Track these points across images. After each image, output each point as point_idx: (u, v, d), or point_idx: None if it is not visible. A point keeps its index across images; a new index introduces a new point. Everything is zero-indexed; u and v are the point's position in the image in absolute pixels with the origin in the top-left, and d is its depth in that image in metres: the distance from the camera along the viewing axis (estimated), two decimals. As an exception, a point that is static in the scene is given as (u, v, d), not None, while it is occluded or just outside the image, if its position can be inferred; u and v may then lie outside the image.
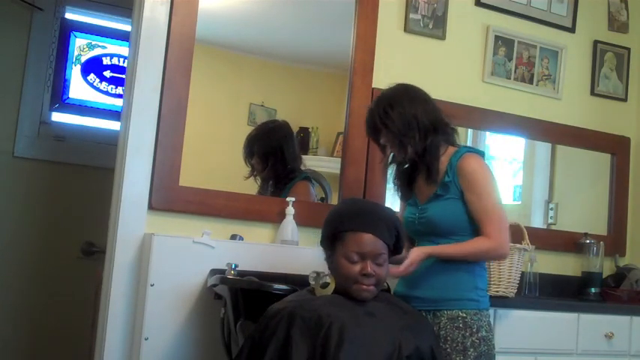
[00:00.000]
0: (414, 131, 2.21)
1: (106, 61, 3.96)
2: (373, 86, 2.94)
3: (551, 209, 3.50)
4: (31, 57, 3.73)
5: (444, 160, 2.26)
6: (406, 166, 2.34)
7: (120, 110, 2.90)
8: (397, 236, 2.06)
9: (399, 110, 2.23)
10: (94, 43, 3.94)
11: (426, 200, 2.28)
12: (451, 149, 2.28)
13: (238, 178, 2.84)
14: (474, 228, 2.21)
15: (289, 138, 2.95)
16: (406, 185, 2.37)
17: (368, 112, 2.33)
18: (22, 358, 3.62)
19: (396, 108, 2.23)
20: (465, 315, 2.18)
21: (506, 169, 3.60)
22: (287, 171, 2.91)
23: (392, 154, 2.34)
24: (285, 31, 3.07)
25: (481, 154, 2.32)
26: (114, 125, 3.70)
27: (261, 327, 1.91)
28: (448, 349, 2.14)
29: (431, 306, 2.21)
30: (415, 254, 2.16)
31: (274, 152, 2.89)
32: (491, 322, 2.28)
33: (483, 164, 2.28)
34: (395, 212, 2.24)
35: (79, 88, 3.90)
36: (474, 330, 2.17)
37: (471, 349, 2.15)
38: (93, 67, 3.93)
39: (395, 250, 2.07)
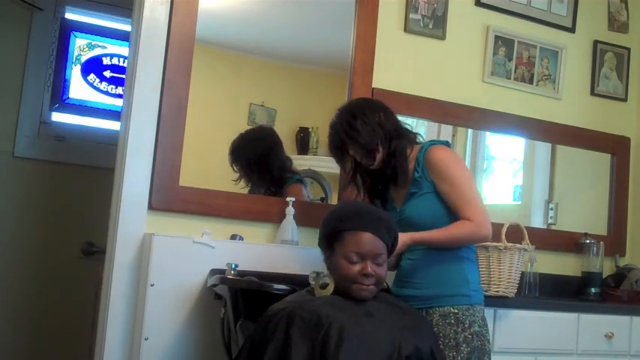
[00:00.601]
0: (380, 137, 2.25)
1: (106, 61, 3.96)
2: (373, 86, 2.95)
3: (551, 209, 3.50)
4: (31, 57, 3.73)
5: (411, 159, 2.28)
6: (367, 178, 2.37)
7: (120, 110, 2.90)
8: (395, 237, 2.06)
9: (362, 119, 2.26)
10: (94, 43, 3.95)
11: (402, 202, 2.30)
12: (416, 147, 2.31)
13: (238, 178, 2.85)
14: (453, 219, 2.21)
15: (274, 146, 2.92)
16: (379, 194, 2.39)
17: (331, 128, 2.33)
18: (22, 358, 3.62)
19: (359, 118, 2.26)
20: (456, 311, 2.18)
21: (506, 169, 3.60)
22: (276, 176, 2.90)
23: (351, 171, 2.36)
24: (285, 31, 3.07)
25: (446, 144, 2.34)
26: (114, 125, 3.70)
27: (260, 327, 1.91)
28: (441, 346, 2.14)
29: (423, 304, 2.21)
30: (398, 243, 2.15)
31: (259, 162, 2.87)
32: (491, 322, 2.27)
33: (450, 152, 2.30)
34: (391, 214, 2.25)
35: (79, 88, 3.90)
36: (467, 325, 2.17)
37: (464, 345, 2.15)
38: (93, 67, 3.93)
39: (391, 251, 2.07)
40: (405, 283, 2.28)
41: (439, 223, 2.21)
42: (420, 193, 2.24)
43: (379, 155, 2.26)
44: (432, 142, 2.31)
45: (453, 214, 2.21)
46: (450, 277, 2.22)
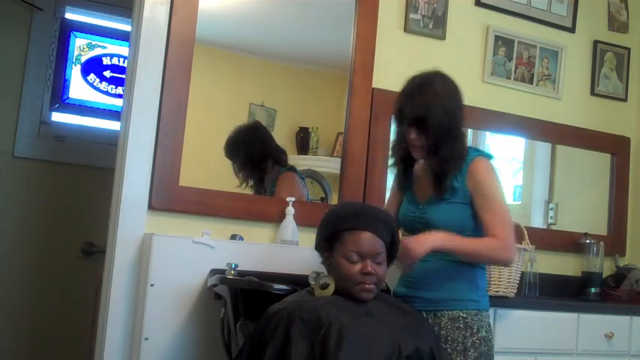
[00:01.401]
0: (453, 145, 2.16)
1: (106, 61, 3.96)
2: (373, 86, 2.95)
3: (551, 209, 3.50)
4: (31, 57, 3.73)
5: None
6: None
7: (120, 110, 2.90)
8: (392, 235, 2.06)
9: (456, 119, 2.16)
10: (94, 43, 3.95)
11: (427, 200, 2.24)
12: None
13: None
14: (477, 234, 2.17)
15: (269, 142, 2.93)
16: (404, 178, 2.33)
17: (417, 91, 2.16)
18: (22, 358, 3.62)
19: (453, 116, 2.15)
20: (465, 315, 2.17)
21: (506, 169, 3.59)
22: (269, 168, 2.90)
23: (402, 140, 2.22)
24: (285, 31, 3.07)
25: (490, 157, 2.27)
26: (114, 125, 3.70)
27: (260, 327, 1.91)
28: (449, 350, 2.13)
29: (432, 306, 2.20)
30: (418, 250, 2.07)
31: (255, 162, 2.88)
32: (491, 323, 2.27)
33: (492, 167, 2.24)
34: (390, 213, 2.23)
35: (79, 88, 3.90)
36: (475, 330, 2.16)
37: (472, 350, 2.14)
38: (93, 67, 3.93)
39: (390, 249, 2.07)
40: (413, 284, 2.24)
41: (463, 233, 2.17)
42: (452, 201, 2.18)
43: (443, 156, 2.15)
44: (479, 153, 2.24)
45: (478, 231, 2.17)
46: (460, 282, 2.19)
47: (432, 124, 2.13)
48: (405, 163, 2.31)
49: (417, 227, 2.24)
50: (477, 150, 2.30)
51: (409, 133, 2.17)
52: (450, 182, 2.18)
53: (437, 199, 2.21)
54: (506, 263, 2.28)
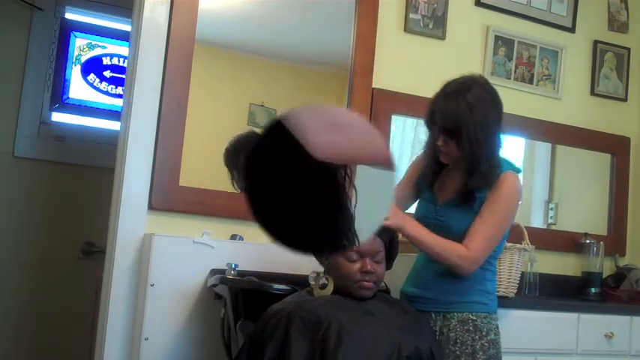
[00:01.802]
0: (490, 162, 2.11)
1: (106, 61, 3.96)
2: (373, 86, 2.95)
3: (551, 209, 3.50)
4: (31, 57, 3.73)
5: None
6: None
7: (120, 110, 2.90)
8: (391, 234, 2.06)
9: (489, 132, 2.08)
10: (94, 43, 3.95)
11: (446, 202, 2.20)
12: None
13: (238, 178, 2.84)
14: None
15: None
16: (432, 179, 2.26)
17: (450, 98, 2.08)
18: (22, 358, 3.62)
19: (485, 129, 2.07)
20: (475, 318, 2.15)
21: (506, 169, 3.59)
22: None
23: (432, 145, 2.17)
24: (286, 31, 3.06)
25: (519, 171, 2.21)
26: (114, 125, 3.70)
27: (260, 327, 1.91)
28: (457, 352, 2.11)
29: (442, 308, 2.17)
30: (393, 221, 1.99)
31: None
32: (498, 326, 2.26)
33: (518, 188, 2.17)
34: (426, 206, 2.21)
35: (79, 88, 3.90)
36: (484, 333, 2.14)
37: (480, 352, 2.12)
38: (93, 67, 3.93)
39: (389, 248, 2.07)
40: (423, 284, 2.22)
41: None
42: (471, 207, 2.13)
43: (482, 170, 2.09)
44: (511, 167, 2.16)
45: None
46: (470, 285, 2.16)
47: (462, 136, 2.07)
48: (439, 166, 2.23)
49: (432, 229, 2.16)
50: (508, 162, 2.20)
51: (437, 138, 2.13)
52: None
53: (456, 203, 2.17)
54: (460, 272, 2.14)
